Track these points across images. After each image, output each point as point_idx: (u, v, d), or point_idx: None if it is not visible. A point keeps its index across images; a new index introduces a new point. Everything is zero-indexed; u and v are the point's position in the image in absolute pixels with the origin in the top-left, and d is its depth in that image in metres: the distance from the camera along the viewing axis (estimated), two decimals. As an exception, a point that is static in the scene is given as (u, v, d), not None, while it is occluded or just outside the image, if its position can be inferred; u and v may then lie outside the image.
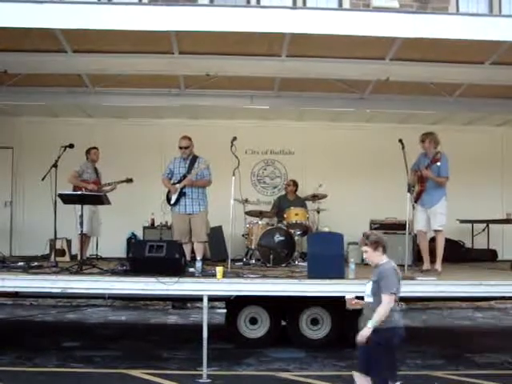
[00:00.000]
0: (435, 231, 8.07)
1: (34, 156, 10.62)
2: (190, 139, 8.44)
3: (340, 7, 12.72)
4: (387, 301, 4.63)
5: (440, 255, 7.96)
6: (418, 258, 8.81)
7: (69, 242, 9.40)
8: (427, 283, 7.11)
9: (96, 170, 9.25)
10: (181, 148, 8.40)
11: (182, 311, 11.07)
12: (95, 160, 9.23)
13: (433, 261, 8.04)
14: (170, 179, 8.43)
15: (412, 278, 7.14)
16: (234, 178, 7.81)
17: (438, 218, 7.95)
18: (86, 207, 8.13)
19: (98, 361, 7.29)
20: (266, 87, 9.23)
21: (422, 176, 8.03)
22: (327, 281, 6.87)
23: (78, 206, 7.95)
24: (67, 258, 9.22)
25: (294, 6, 11.71)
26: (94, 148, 9.24)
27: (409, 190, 7.64)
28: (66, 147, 8.48)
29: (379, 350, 4.62)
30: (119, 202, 9.11)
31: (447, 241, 8.36)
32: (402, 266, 7.65)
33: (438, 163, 7.83)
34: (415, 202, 8.04)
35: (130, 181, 9.23)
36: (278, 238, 9.21)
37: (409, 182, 7.78)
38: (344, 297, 5.08)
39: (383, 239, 4.89)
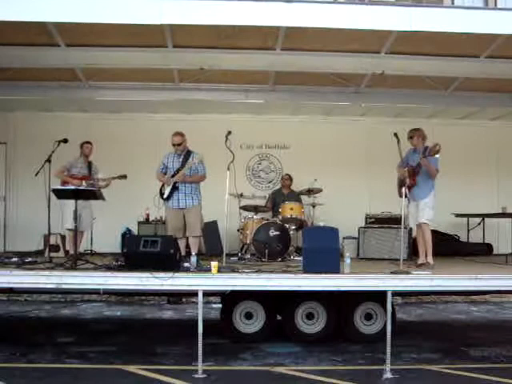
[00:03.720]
0: (421, 224, 8.05)
1: (27, 151, 10.57)
2: (182, 135, 8.34)
3: (335, 0, 12.66)
4: None
5: (429, 247, 7.95)
6: (414, 252, 8.82)
7: (63, 237, 9.35)
8: (422, 277, 7.09)
9: (90, 164, 9.14)
10: (174, 145, 8.32)
11: (177, 306, 11.04)
12: (87, 154, 9.09)
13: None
14: (165, 174, 8.39)
15: (407, 273, 7.13)
16: (228, 172, 7.76)
17: (426, 212, 7.93)
18: (73, 202, 8.05)
19: (94, 356, 7.25)
20: (260, 81, 9.20)
21: (413, 171, 7.99)
22: (322, 275, 6.85)
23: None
24: (61, 253, 9.18)
25: None
26: (87, 142, 9.11)
27: (403, 185, 7.61)
28: (59, 142, 8.39)
29: None
30: (114, 197, 9.07)
31: (442, 235, 8.35)
32: (397, 259, 7.68)
33: (437, 155, 7.78)
34: (405, 196, 8.00)
35: (123, 177, 9.13)
36: (273, 232, 9.19)
37: (400, 178, 7.75)
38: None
39: None
